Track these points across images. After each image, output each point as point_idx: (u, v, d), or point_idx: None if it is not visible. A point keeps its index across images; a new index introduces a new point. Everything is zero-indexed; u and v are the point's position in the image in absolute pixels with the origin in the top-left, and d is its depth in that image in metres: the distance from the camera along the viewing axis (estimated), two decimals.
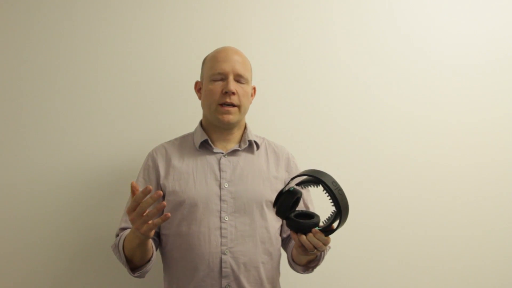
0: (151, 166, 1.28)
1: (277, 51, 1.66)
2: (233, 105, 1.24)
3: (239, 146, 1.29)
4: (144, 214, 0.99)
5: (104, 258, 1.51)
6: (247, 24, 1.66)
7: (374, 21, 1.72)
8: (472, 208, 1.72)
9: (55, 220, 1.52)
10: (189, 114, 1.53)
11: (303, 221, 1.06)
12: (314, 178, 1.03)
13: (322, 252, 1.23)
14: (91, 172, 1.54)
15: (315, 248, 1.06)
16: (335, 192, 1.00)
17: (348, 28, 1.71)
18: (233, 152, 1.28)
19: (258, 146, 1.33)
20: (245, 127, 1.34)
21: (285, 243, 1.33)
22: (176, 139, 1.35)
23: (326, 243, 1.06)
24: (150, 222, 1.00)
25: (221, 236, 1.18)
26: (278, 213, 1.10)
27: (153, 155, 1.30)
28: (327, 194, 1.01)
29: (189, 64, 1.56)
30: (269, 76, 1.64)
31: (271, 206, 1.23)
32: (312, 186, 1.06)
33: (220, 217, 1.20)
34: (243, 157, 1.28)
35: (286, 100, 1.66)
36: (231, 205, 1.21)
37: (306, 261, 1.21)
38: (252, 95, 1.35)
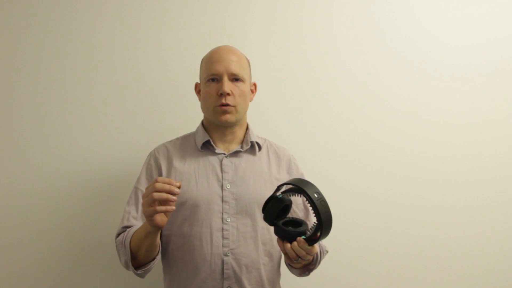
0: (153, 165, 1.27)
1: (278, 51, 1.66)
2: (230, 105, 1.23)
3: (241, 147, 1.29)
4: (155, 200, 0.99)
5: (104, 259, 1.51)
6: (248, 24, 1.65)
7: (375, 21, 1.72)
8: (472, 208, 1.72)
9: (56, 221, 1.51)
10: (191, 114, 1.52)
11: (289, 229, 1.05)
12: (297, 187, 1.02)
13: (319, 256, 1.23)
14: (91, 173, 1.54)
15: (299, 257, 1.04)
16: (317, 203, 0.98)
17: (348, 28, 1.70)
18: (235, 153, 1.28)
19: (260, 147, 1.32)
20: (247, 128, 1.33)
21: None
22: (177, 138, 1.34)
23: (309, 253, 1.04)
24: (154, 207, 0.99)
25: (223, 237, 1.18)
26: (265, 219, 1.09)
27: (155, 155, 1.29)
28: (309, 204, 1.00)
29: (190, 65, 1.55)
30: (269, 76, 1.64)
31: None
32: (296, 195, 1.05)
33: (222, 218, 1.19)
34: (245, 158, 1.28)
35: (286, 100, 1.66)
36: (233, 207, 1.21)
37: (302, 264, 1.20)
38: (252, 92, 1.34)
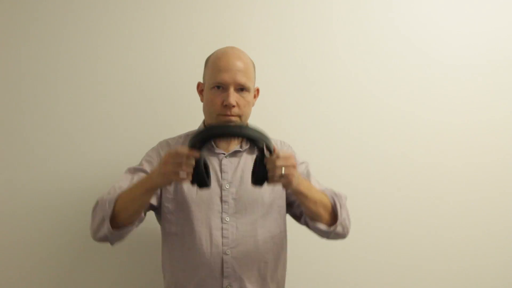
0: (157, 161, 1.25)
1: (278, 51, 1.65)
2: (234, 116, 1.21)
3: (241, 146, 1.29)
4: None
5: (105, 260, 1.53)
6: (248, 24, 1.64)
7: (374, 21, 1.70)
8: (472, 208, 1.69)
9: (55, 222, 1.54)
10: (192, 114, 1.50)
11: (259, 162, 1.03)
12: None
13: (334, 198, 1.18)
14: (91, 173, 1.56)
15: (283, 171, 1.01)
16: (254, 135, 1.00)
17: (348, 29, 1.69)
18: (235, 153, 1.27)
19: None
20: None
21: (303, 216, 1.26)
22: (180, 136, 1.35)
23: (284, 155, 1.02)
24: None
25: (222, 236, 1.18)
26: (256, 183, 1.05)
27: (159, 151, 1.29)
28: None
29: (191, 65, 1.55)
30: (270, 76, 1.61)
31: (272, 206, 1.24)
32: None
33: (221, 218, 1.20)
34: (244, 157, 1.27)
35: (286, 100, 1.65)
36: (232, 206, 1.21)
37: (322, 210, 1.15)
38: (255, 96, 1.32)
